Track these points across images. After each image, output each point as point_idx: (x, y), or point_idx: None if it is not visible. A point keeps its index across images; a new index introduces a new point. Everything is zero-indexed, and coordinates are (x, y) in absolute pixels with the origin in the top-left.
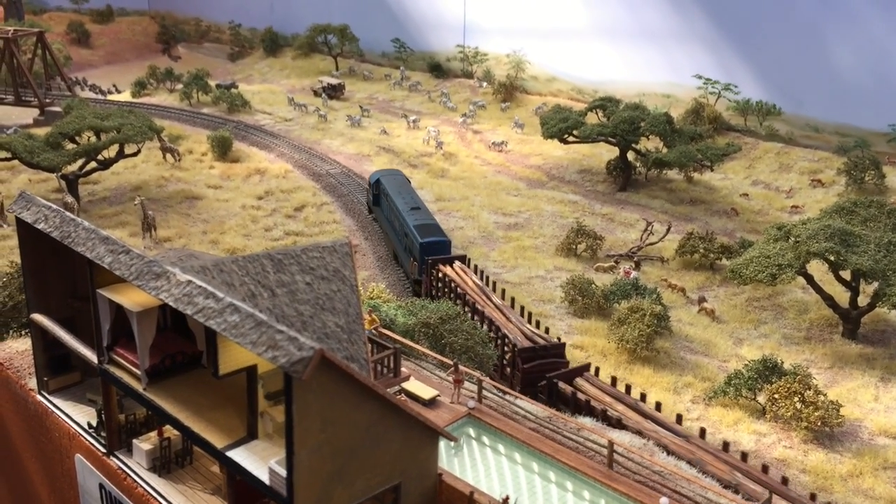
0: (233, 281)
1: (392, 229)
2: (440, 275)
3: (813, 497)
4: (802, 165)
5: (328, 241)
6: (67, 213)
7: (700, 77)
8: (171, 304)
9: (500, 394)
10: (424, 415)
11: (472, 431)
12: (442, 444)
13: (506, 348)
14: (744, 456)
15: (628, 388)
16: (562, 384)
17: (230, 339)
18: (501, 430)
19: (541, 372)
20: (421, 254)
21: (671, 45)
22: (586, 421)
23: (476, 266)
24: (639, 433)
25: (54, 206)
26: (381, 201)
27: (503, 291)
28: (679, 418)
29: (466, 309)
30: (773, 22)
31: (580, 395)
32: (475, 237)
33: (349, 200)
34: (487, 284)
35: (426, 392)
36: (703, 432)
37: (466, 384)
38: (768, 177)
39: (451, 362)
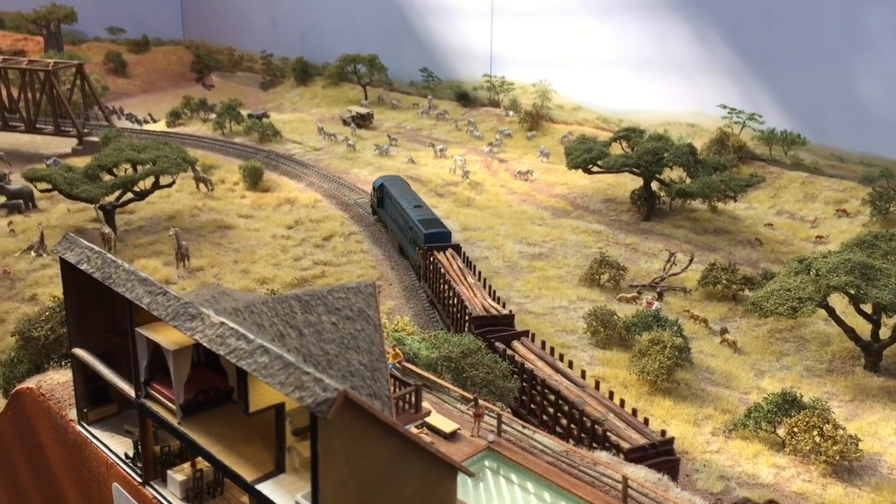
0: (262, 321)
1: (397, 226)
2: (433, 259)
3: None
4: (827, 195)
5: (353, 282)
6: (108, 255)
7: (725, 107)
8: (204, 344)
9: (519, 428)
10: (445, 447)
11: (491, 464)
12: (462, 476)
13: (466, 317)
14: (622, 403)
15: (552, 349)
16: (498, 343)
17: (260, 378)
18: (520, 463)
19: (491, 335)
20: (425, 243)
21: (696, 74)
22: (602, 456)
23: (468, 260)
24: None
25: (96, 248)
26: (384, 203)
27: (525, 323)
28: (583, 374)
29: (442, 283)
30: (798, 52)
31: (510, 353)
32: (500, 267)
33: (376, 230)
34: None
35: (447, 425)
36: (597, 384)
37: (486, 418)
38: (793, 206)
39: (472, 396)
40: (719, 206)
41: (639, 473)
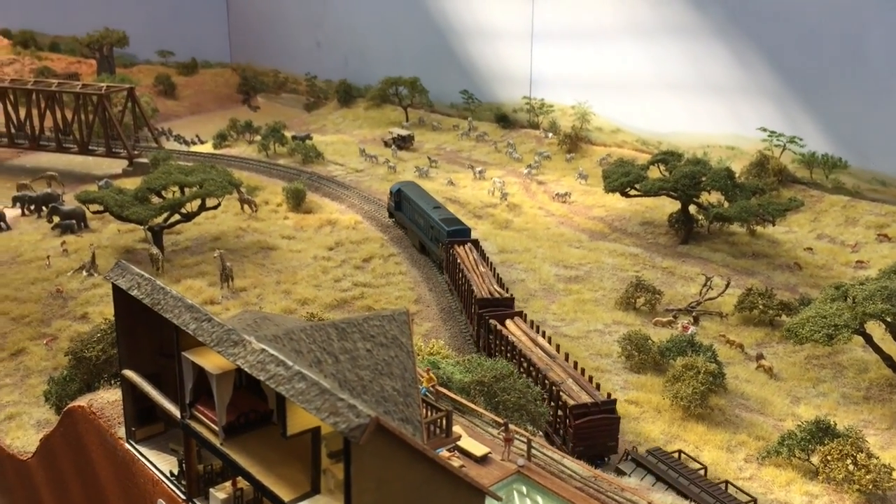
0: (301, 348)
1: (417, 226)
2: (452, 252)
3: None
4: (868, 220)
5: (388, 310)
6: (158, 282)
7: (765, 129)
8: (245, 369)
9: (549, 453)
10: (476, 471)
11: (520, 488)
12: (490, 500)
13: (472, 299)
14: (582, 372)
15: (538, 327)
16: (492, 321)
17: (297, 404)
18: (549, 488)
19: (493, 315)
20: (447, 239)
21: (736, 97)
22: (631, 482)
23: (482, 252)
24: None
25: (146, 275)
26: (402, 206)
27: (558, 346)
28: (558, 348)
29: (458, 272)
30: (840, 74)
31: (501, 329)
32: (536, 290)
33: (415, 252)
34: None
35: (479, 449)
36: (566, 356)
37: (517, 442)
38: (833, 231)
39: (503, 421)
40: (758, 229)
41: (665, 499)
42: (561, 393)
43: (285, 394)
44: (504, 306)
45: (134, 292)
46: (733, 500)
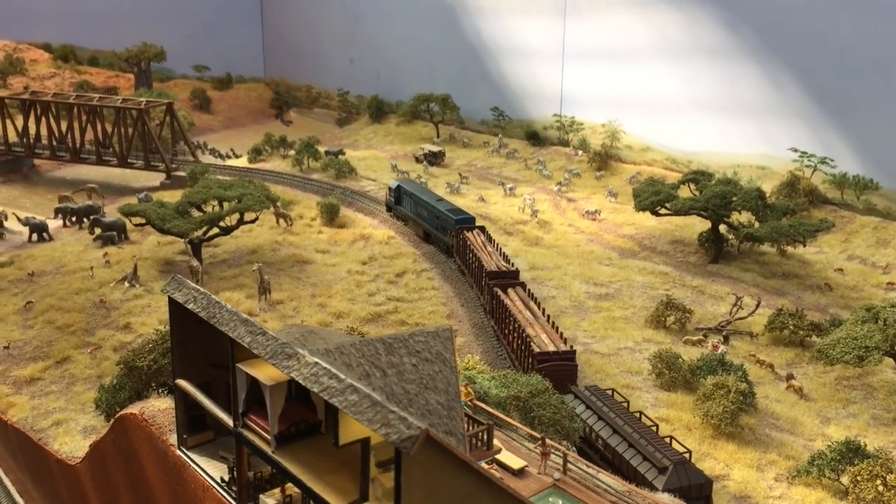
0: (351, 362)
1: (420, 217)
2: (462, 237)
3: None
4: None
5: (432, 326)
6: (213, 296)
7: (796, 150)
8: (300, 381)
9: (584, 467)
10: (513, 483)
11: (556, 501)
12: None
13: (483, 273)
14: (557, 329)
15: (533, 296)
16: (496, 288)
17: (349, 415)
18: (584, 501)
19: (498, 285)
20: (456, 226)
21: (767, 117)
22: (664, 498)
23: (489, 235)
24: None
25: (202, 289)
26: (403, 201)
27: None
28: (549, 319)
29: (468, 252)
30: (872, 96)
31: (500, 296)
32: (566, 307)
33: (447, 267)
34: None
35: (516, 462)
36: (547, 315)
37: (552, 456)
38: (864, 252)
39: (539, 436)
40: (788, 249)
41: None
42: (531, 343)
43: (338, 405)
44: (510, 278)
45: (190, 306)
46: (644, 425)
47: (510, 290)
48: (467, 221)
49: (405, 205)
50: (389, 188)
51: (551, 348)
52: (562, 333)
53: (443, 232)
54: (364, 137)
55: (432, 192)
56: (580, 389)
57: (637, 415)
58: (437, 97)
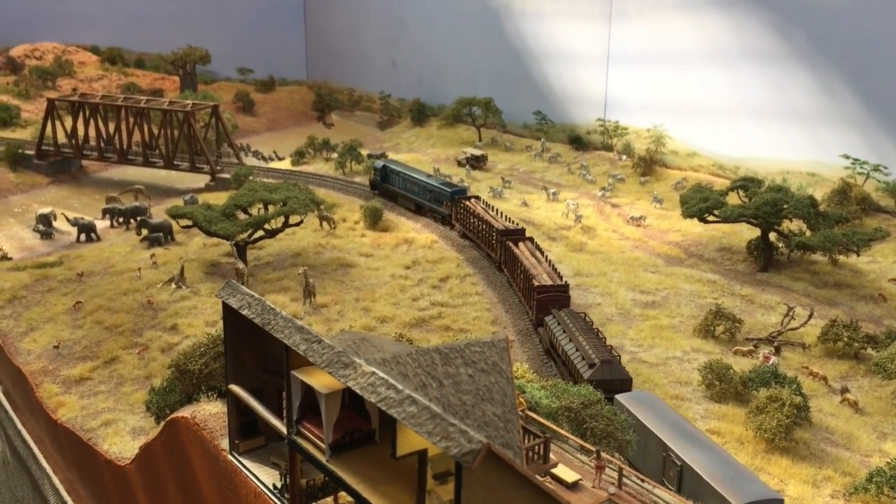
0: (407, 372)
1: (412, 192)
2: (461, 205)
3: None
4: None
5: (488, 337)
6: (268, 303)
7: (847, 157)
8: (357, 391)
9: (639, 482)
10: (567, 497)
11: None
12: None
13: (495, 233)
14: (561, 277)
15: (540, 249)
16: (509, 242)
17: (408, 427)
18: None
19: (509, 239)
20: (451, 198)
21: (818, 124)
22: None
23: (486, 202)
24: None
25: (256, 295)
26: (390, 179)
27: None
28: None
29: (472, 218)
30: None
31: (511, 247)
32: (612, 314)
33: (491, 272)
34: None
35: (570, 475)
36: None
37: (607, 470)
38: None
39: (594, 448)
40: (840, 258)
41: None
42: (533, 279)
43: (396, 416)
44: (518, 234)
45: (245, 312)
46: (596, 338)
47: (521, 244)
48: (460, 192)
49: (393, 182)
50: (374, 168)
51: (548, 282)
52: (560, 276)
53: (437, 203)
54: (406, 141)
55: (419, 169)
56: (558, 311)
57: (596, 331)
58: (479, 101)
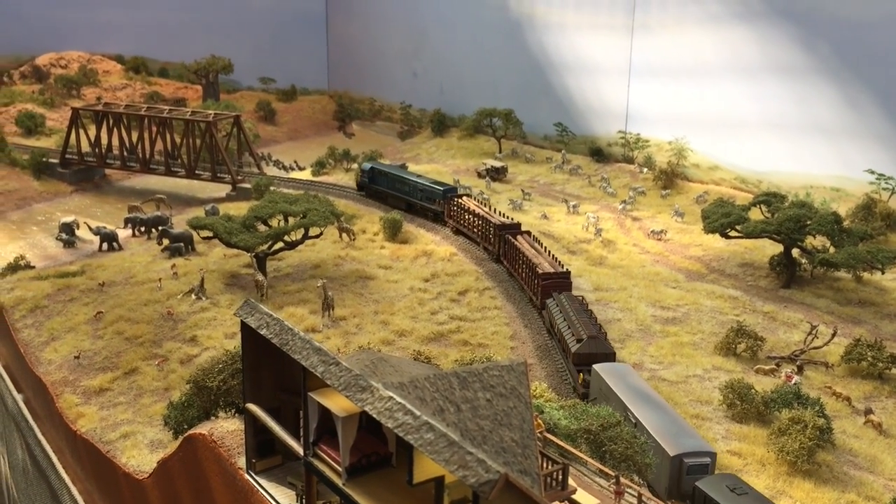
0: (425, 396)
1: (401, 192)
2: (454, 203)
3: None
4: None
5: (506, 360)
6: (286, 323)
7: (873, 172)
8: (374, 415)
9: None
10: None
11: None
12: None
13: (491, 228)
14: (565, 268)
15: (537, 240)
16: (508, 235)
17: (425, 453)
18: None
19: (507, 233)
20: (444, 196)
21: (842, 138)
22: None
23: (478, 198)
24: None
25: (274, 315)
26: (377, 180)
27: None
28: (550, 254)
29: (467, 214)
30: None
31: (511, 240)
32: (632, 330)
33: (510, 287)
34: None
35: (589, 500)
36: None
37: (626, 496)
38: None
39: (613, 473)
40: (865, 275)
41: None
42: (536, 267)
43: (413, 443)
44: (515, 228)
45: (263, 331)
46: (589, 318)
47: (519, 236)
48: (452, 191)
49: (381, 183)
50: (361, 170)
51: (550, 270)
52: (567, 269)
53: (429, 202)
54: (426, 151)
55: (407, 171)
56: (558, 294)
57: (589, 312)
58: (500, 112)
